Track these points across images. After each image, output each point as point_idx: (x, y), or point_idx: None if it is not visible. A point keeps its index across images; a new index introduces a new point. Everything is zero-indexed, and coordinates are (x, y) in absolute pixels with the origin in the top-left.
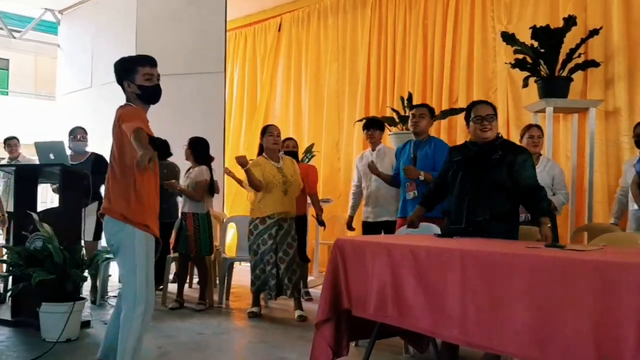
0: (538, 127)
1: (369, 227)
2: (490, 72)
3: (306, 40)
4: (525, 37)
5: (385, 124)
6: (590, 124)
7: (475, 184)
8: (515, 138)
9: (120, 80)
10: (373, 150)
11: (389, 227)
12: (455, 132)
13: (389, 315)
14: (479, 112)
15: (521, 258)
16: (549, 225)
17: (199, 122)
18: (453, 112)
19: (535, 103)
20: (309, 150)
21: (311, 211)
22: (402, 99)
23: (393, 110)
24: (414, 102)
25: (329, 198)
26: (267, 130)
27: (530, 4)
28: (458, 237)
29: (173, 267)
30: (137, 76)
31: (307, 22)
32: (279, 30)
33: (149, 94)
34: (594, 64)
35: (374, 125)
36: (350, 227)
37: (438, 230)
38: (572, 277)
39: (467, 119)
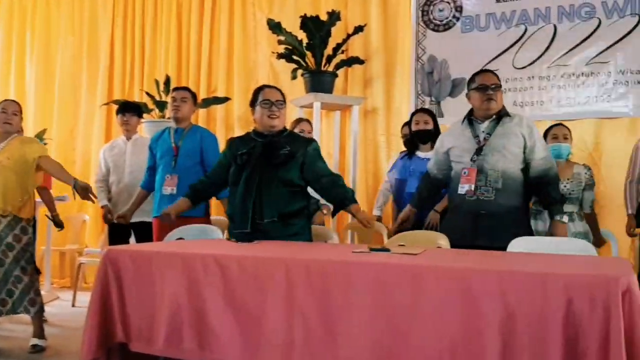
0: (308, 121)
1: (119, 230)
2: (252, 62)
3: (32, 7)
4: (287, 28)
5: None
6: (354, 121)
7: (263, 182)
8: None
9: None
10: (128, 139)
11: (141, 230)
12: (214, 124)
13: (186, 348)
14: (268, 95)
15: (363, 267)
16: (361, 210)
17: None
18: (217, 101)
19: (302, 97)
20: (39, 137)
21: (42, 210)
22: (157, 82)
23: (147, 94)
24: (155, 91)
25: (64, 195)
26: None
27: None
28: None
29: None
30: None
31: None
32: None
33: None
34: (359, 61)
35: (130, 110)
36: (109, 219)
37: (220, 234)
38: (426, 287)
39: (253, 104)
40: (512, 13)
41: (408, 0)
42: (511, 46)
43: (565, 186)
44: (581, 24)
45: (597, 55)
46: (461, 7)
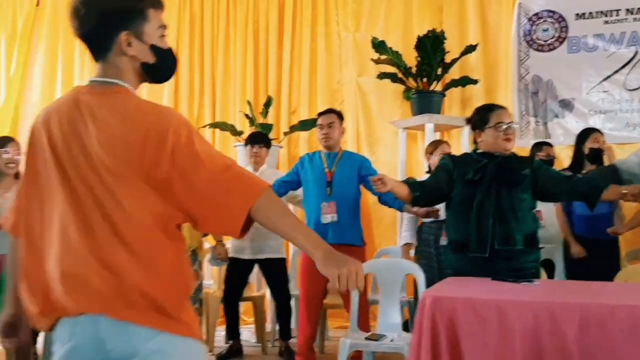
0: (447, 143)
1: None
2: (336, 82)
3: None
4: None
5: None
6: (464, 143)
7: (503, 204)
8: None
9: (108, 29)
10: (255, 171)
11: (268, 267)
12: (296, 146)
13: None
14: (502, 117)
15: None
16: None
17: None
18: (305, 126)
19: (410, 118)
20: None
21: None
22: (249, 103)
23: (247, 117)
24: (247, 112)
25: None
26: None
27: (381, 13)
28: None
29: None
30: (148, 27)
31: None
32: (38, 4)
33: (165, 65)
34: (472, 81)
35: (260, 141)
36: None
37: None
38: None
39: (480, 126)
40: (622, 34)
41: (509, 20)
42: (622, 67)
43: None
44: None
45: None
46: (567, 28)
